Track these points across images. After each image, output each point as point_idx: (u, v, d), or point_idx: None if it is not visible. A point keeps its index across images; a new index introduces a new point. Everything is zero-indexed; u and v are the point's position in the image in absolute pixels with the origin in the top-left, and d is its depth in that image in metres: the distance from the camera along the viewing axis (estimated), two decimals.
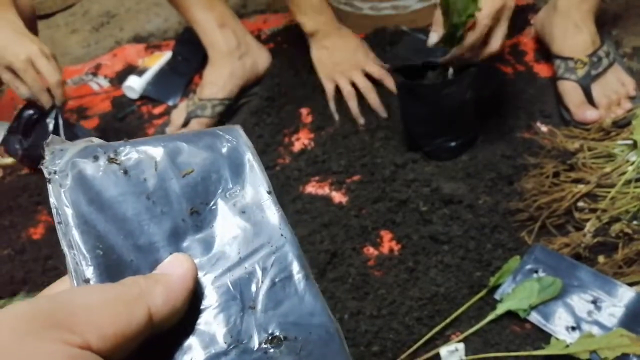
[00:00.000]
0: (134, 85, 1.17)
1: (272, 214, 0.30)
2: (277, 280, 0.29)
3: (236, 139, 0.30)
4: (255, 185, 0.30)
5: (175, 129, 1.04)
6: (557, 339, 0.65)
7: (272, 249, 0.29)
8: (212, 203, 0.29)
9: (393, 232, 0.82)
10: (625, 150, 0.77)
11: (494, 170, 0.84)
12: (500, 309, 0.68)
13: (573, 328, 0.66)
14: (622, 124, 0.83)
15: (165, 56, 1.23)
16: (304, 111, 1.04)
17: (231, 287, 0.28)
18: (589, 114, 0.86)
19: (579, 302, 0.67)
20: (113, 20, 1.45)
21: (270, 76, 1.09)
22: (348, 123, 0.99)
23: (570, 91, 0.89)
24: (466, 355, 0.66)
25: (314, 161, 0.95)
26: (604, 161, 0.78)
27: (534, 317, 0.68)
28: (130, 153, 0.28)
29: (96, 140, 0.28)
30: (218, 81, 1.05)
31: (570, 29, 0.92)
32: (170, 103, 1.16)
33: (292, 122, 1.02)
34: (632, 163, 0.74)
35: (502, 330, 0.68)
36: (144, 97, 1.18)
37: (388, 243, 0.81)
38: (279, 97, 1.06)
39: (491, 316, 0.68)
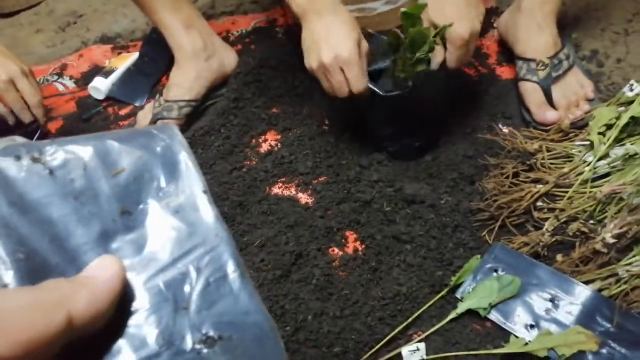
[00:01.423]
0: (100, 86, 1.15)
1: (207, 213, 0.29)
2: (211, 280, 0.28)
3: (171, 138, 0.30)
4: (190, 185, 0.29)
5: None
6: (516, 337, 0.66)
7: (207, 249, 0.29)
8: (144, 203, 0.29)
9: (357, 233, 0.82)
10: (582, 150, 0.78)
11: (456, 170, 0.85)
12: (461, 308, 0.69)
13: (532, 326, 0.67)
14: (580, 125, 0.85)
15: (132, 57, 1.21)
16: (271, 112, 1.03)
17: (163, 288, 0.28)
18: (549, 115, 0.88)
19: (538, 300, 0.68)
20: (80, 20, 1.43)
21: (237, 77, 1.09)
22: (315, 124, 0.99)
23: (531, 92, 0.91)
24: (427, 354, 0.67)
25: (280, 162, 0.94)
26: (562, 162, 0.80)
27: (494, 316, 0.69)
28: (56, 153, 0.27)
29: (19, 139, 0.27)
30: (184, 83, 1.03)
31: (533, 30, 0.93)
32: (137, 104, 1.14)
33: (259, 124, 1.02)
34: (589, 163, 0.76)
35: (462, 329, 0.69)
36: (110, 98, 1.16)
37: (352, 243, 0.81)
38: (245, 98, 1.05)
39: (452, 315, 0.69)
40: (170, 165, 0.29)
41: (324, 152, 0.94)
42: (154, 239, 0.28)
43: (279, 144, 0.98)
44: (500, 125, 0.94)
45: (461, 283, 0.73)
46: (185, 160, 0.30)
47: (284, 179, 0.92)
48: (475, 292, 0.70)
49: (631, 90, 0.81)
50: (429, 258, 0.76)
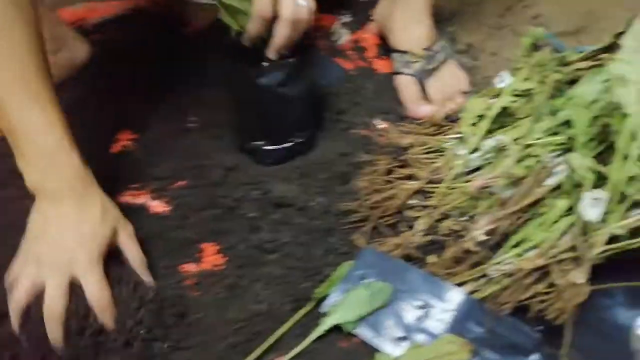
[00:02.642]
0: None
1: None
2: None
3: None
4: None
5: None
6: (383, 352, 0.58)
7: None
8: None
9: (218, 244, 0.71)
10: (455, 144, 0.74)
11: (329, 169, 0.78)
12: (325, 324, 0.60)
13: (402, 338, 0.60)
14: (454, 119, 0.81)
15: None
16: (126, 108, 0.90)
17: None
18: (423, 109, 0.83)
19: (408, 309, 0.62)
20: None
21: (89, 71, 0.94)
22: (176, 122, 0.87)
23: (406, 85, 0.86)
24: None
25: (133, 165, 0.81)
26: (436, 156, 0.75)
27: (362, 331, 0.61)
28: None
29: None
30: None
31: (409, 21, 0.89)
32: None
33: (111, 122, 0.88)
34: (462, 157, 0.71)
35: (329, 348, 0.60)
36: None
37: (211, 257, 0.70)
38: (97, 93, 0.91)
39: (316, 333, 0.60)
40: None
41: (184, 153, 0.82)
42: None
43: (133, 145, 0.85)
44: (377, 121, 0.88)
45: (329, 294, 0.64)
46: None
47: (136, 185, 0.79)
48: (343, 304, 0.62)
49: (502, 81, 0.78)
50: (295, 268, 0.67)
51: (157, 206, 0.77)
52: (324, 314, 0.62)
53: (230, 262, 0.69)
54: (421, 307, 0.61)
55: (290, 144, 0.78)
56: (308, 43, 0.76)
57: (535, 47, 0.81)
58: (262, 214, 0.73)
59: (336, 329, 0.61)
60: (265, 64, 0.71)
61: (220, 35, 0.95)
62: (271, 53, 0.71)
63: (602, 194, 0.50)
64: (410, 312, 0.61)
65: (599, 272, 0.63)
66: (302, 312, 0.63)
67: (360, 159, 0.78)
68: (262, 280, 0.66)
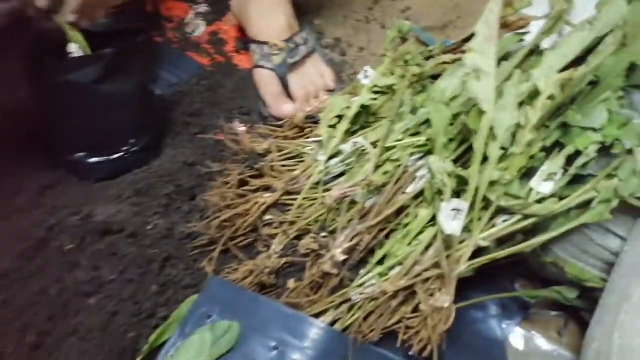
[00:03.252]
0: None
1: None
2: None
3: None
4: None
5: None
6: None
7: None
8: None
9: (22, 289, 0.56)
10: (315, 149, 0.65)
11: (172, 183, 0.65)
12: None
13: None
14: (317, 119, 0.72)
15: None
16: None
17: None
18: (285, 108, 0.74)
19: (260, 351, 0.51)
20: None
21: None
22: None
23: (267, 81, 0.76)
24: None
25: None
26: (295, 163, 0.65)
27: None
28: None
29: None
30: None
31: (267, 10, 0.79)
32: None
33: None
34: (321, 163, 0.62)
35: None
36: None
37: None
38: None
39: None
40: None
41: None
42: None
43: None
44: (237, 123, 0.77)
45: (165, 343, 0.52)
46: None
47: None
48: (180, 354, 0.50)
49: (366, 77, 0.71)
50: (120, 313, 0.53)
51: None
52: None
53: (36, 315, 0.54)
54: (274, 348, 0.51)
55: (121, 154, 0.65)
56: (137, 28, 0.62)
57: (403, 41, 0.75)
58: (82, 245, 0.58)
59: None
60: (74, 54, 0.57)
61: (22, 28, 0.78)
62: (68, 14, 0.55)
63: (461, 204, 0.44)
64: (262, 355, 0.51)
65: (468, 285, 0.58)
66: None
67: (210, 169, 0.66)
68: (76, 335, 0.52)
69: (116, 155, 0.64)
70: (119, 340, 0.51)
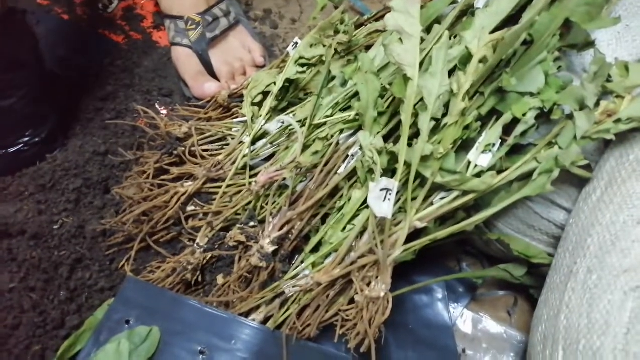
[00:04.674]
0: None
1: None
2: None
3: None
4: None
5: None
6: None
7: None
8: None
9: None
10: (240, 130, 0.59)
11: (81, 175, 0.58)
12: None
13: None
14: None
15: None
16: None
17: None
18: (207, 87, 0.67)
19: (185, 357, 0.46)
20: None
21: None
22: None
23: (185, 59, 0.69)
24: None
25: None
26: (219, 147, 0.59)
27: None
28: None
29: None
30: None
31: None
32: None
33: None
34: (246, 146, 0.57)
35: None
36: None
37: None
38: None
39: None
40: None
41: None
42: None
43: None
44: (157, 106, 0.70)
45: (77, 354, 0.46)
46: None
47: None
48: None
49: (294, 49, 0.65)
50: (21, 326, 0.47)
51: None
52: None
53: None
54: (201, 353, 0.46)
55: (19, 147, 0.57)
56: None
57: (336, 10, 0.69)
58: None
59: None
60: None
61: None
62: None
63: (390, 183, 0.40)
64: None
65: (413, 269, 0.54)
66: None
67: (124, 159, 0.60)
68: None
69: (13, 149, 0.56)
70: (20, 356, 0.45)
